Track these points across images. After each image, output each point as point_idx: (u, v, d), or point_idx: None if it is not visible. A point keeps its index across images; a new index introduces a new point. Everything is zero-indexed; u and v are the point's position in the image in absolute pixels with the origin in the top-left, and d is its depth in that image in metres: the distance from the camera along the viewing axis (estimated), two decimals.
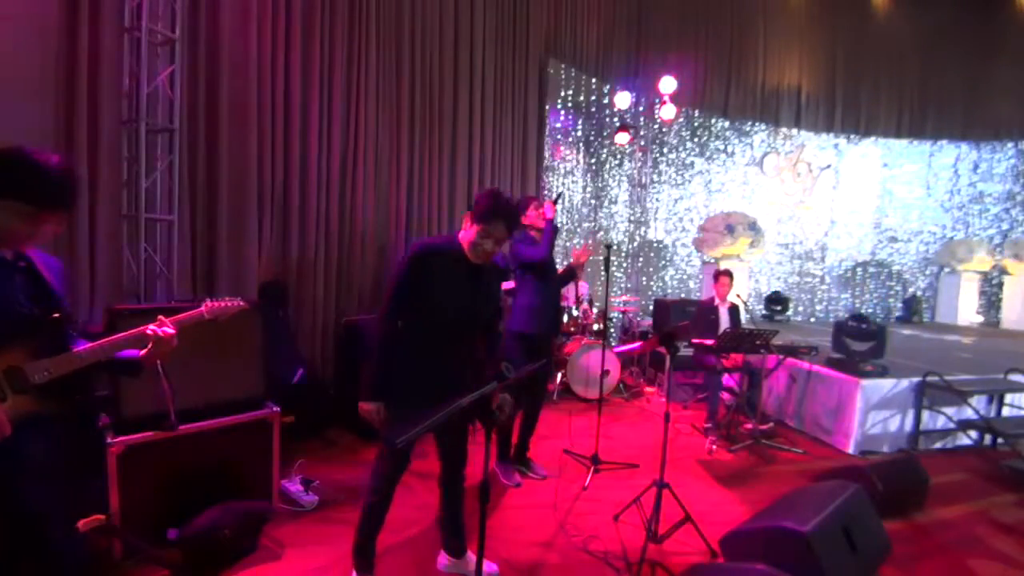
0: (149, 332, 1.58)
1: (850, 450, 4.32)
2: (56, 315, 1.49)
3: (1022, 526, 3.24)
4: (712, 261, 8.27)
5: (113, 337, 1.56)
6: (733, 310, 5.04)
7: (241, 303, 1.93)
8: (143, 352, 1.61)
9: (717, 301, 5.02)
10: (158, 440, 2.46)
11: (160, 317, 1.63)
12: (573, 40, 7.44)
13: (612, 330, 7.33)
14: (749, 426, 4.58)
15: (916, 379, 4.43)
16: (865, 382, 4.31)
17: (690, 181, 8.95)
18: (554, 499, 3.29)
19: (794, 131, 9.69)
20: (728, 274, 5.03)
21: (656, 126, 8.46)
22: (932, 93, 10.24)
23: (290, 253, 4.58)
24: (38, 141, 3.19)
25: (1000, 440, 4.49)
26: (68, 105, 3.30)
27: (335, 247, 4.85)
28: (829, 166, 9.90)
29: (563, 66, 7.25)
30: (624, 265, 8.35)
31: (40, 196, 1.35)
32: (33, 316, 1.44)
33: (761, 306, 9.09)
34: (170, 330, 1.60)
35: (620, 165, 8.21)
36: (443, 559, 2.57)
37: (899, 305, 10.16)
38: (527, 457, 3.67)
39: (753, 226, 8.00)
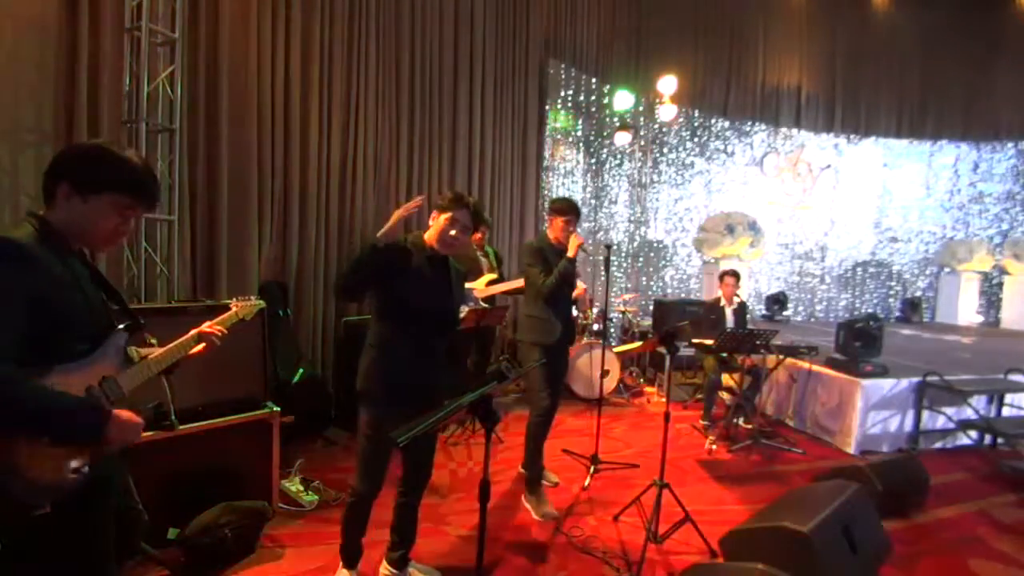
0: (207, 331, 1.66)
1: (850, 450, 4.32)
2: (139, 321, 1.47)
3: (1022, 526, 3.24)
4: (712, 261, 8.27)
5: (177, 341, 1.57)
6: (739, 311, 5.04)
7: (260, 303, 2.01)
8: (200, 349, 1.65)
9: (723, 302, 5.03)
10: (158, 440, 2.46)
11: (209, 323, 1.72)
12: (573, 40, 7.44)
13: (612, 330, 7.33)
14: (749, 426, 4.58)
15: (916, 379, 4.43)
16: (865, 382, 4.31)
17: (690, 181, 8.95)
18: (554, 499, 3.29)
19: (794, 131, 9.69)
20: (734, 274, 5.03)
21: (656, 126, 8.46)
22: (932, 93, 10.24)
23: (290, 253, 4.58)
24: (38, 141, 3.19)
25: (1000, 440, 4.50)
26: (68, 105, 3.30)
27: (335, 247, 4.84)
28: (829, 166, 9.90)
29: (563, 66, 7.25)
30: (624, 265, 8.35)
31: (136, 187, 1.32)
32: (117, 323, 1.41)
33: (761, 306, 9.09)
34: (223, 330, 1.71)
35: (620, 165, 8.21)
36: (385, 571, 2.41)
37: (899, 305, 10.17)
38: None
39: (753, 226, 8.01)
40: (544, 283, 3.12)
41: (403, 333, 2.16)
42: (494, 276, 4.67)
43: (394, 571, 2.38)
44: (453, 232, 2.15)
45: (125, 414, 1.28)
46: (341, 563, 2.38)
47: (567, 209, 3.20)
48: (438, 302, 2.20)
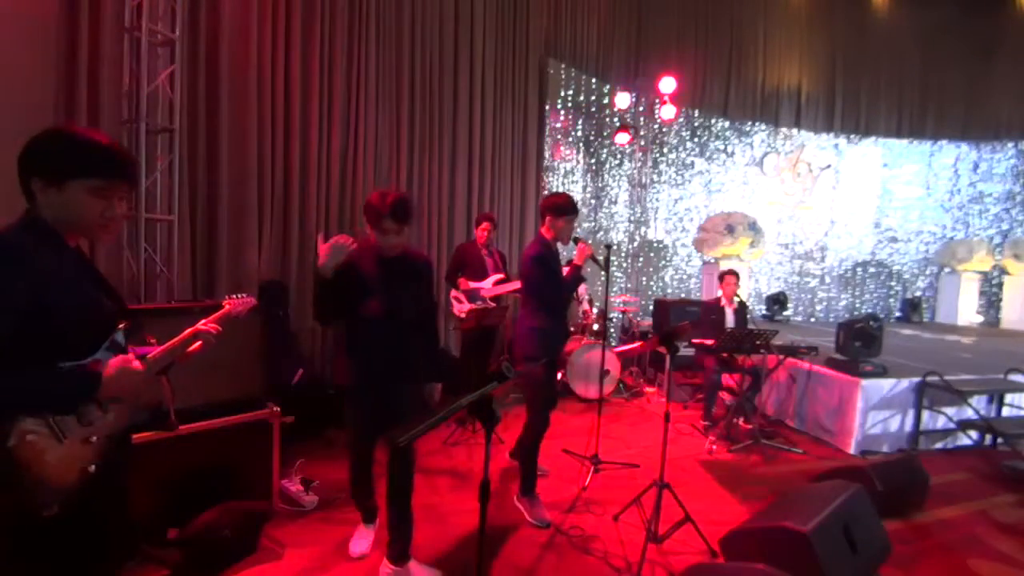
0: (203, 329, 1.65)
1: (850, 450, 4.32)
2: (138, 320, 1.47)
3: (1022, 526, 3.24)
4: (712, 261, 8.27)
5: (174, 340, 1.56)
6: (739, 311, 5.04)
7: (253, 300, 2.00)
8: (197, 347, 1.65)
9: (723, 302, 5.02)
10: (158, 440, 2.46)
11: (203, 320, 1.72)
12: (573, 40, 7.44)
13: (612, 330, 7.33)
14: (749, 426, 4.58)
15: (916, 379, 4.43)
16: (865, 382, 4.31)
17: (690, 181, 8.94)
18: (554, 499, 3.29)
19: (794, 131, 9.69)
20: (734, 274, 5.03)
21: (656, 126, 8.46)
22: (932, 93, 10.24)
23: (290, 253, 4.58)
24: None
25: (1000, 440, 4.49)
26: (68, 105, 3.30)
27: None
28: (829, 166, 9.90)
29: (563, 66, 7.25)
30: (624, 265, 8.35)
31: (105, 166, 1.27)
32: (116, 322, 1.38)
33: (762, 306, 9.09)
34: (218, 328, 1.71)
35: (620, 165, 8.21)
36: (385, 568, 2.44)
37: (899, 305, 10.17)
38: None
39: (753, 226, 8.00)
40: (557, 297, 3.01)
41: (362, 333, 2.35)
42: (501, 276, 4.68)
43: (394, 566, 2.40)
44: (388, 240, 2.30)
45: (116, 360, 1.26)
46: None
47: (570, 209, 3.05)
48: (389, 300, 2.32)
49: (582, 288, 6.13)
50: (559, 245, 3.15)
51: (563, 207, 3.03)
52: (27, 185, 1.25)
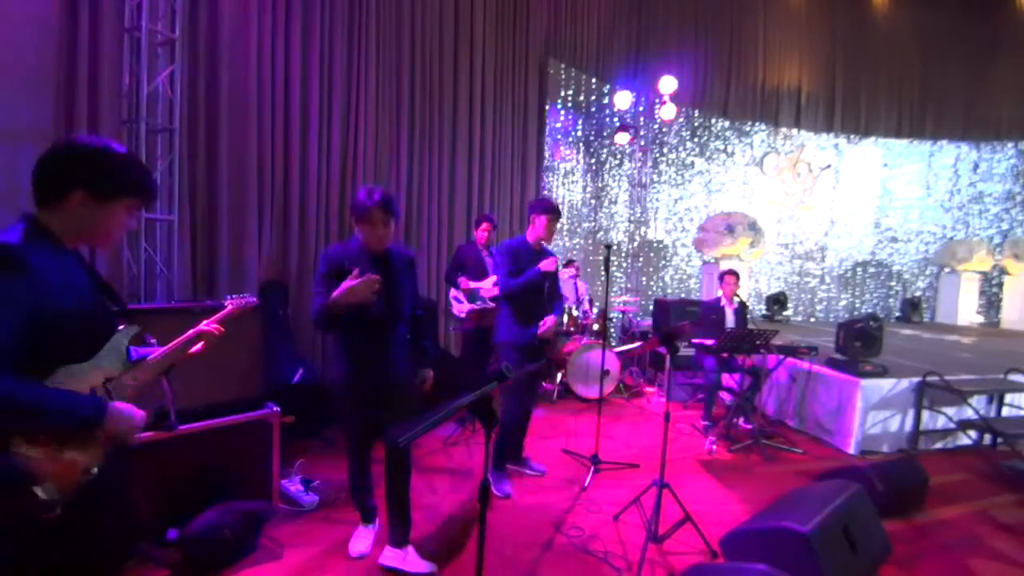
0: (206, 330, 1.65)
1: (850, 450, 4.32)
2: (137, 323, 1.46)
3: (1022, 526, 3.24)
4: (712, 261, 8.27)
5: (177, 341, 1.56)
6: (740, 311, 5.04)
7: (255, 300, 2.00)
8: (199, 347, 1.64)
9: (723, 302, 5.02)
10: (158, 440, 2.46)
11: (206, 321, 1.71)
12: (573, 40, 7.44)
13: (612, 330, 7.33)
14: (749, 426, 4.58)
15: (916, 379, 4.43)
16: (865, 382, 4.31)
17: (690, 181, 8.95)
18: (554, 499, 3.29)
19: (794, 131, 9.69)
20: (734, 274, 5.03)
21: (656, 126, 8.46)
22: (932, 93, 10.24)
23: (290, 253, 4.58)
24: (38, 141, 3.19)
25: (1000, 440, 4.49)
26: (68, 105, 3.30)
27: None
28: (829, 166, 9.90)
29: (563, 66, 7.25)
30: (624, 265, 8.35)
31: (147, 188, 1.34)
32: (117, 324, 1.39)
33: (762, 306, 9.09)
34: (221, 328, 1.71)
35: (620, 165, 8.21)
36: (387, 551, 2.51)
37: (899, 305, 10.17)
38: (523, 456, 3.67)
39: (753, 226, 8.01)
40: (509, 288, 3.24)
41: (358, 333, 2.40)
42: None
43: (395, 549, 2.47)
44: (377, 232, 2.34)
45: (124, 404, 1.29)
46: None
47: (548, 209, 3.33)
48: (388, 300, 2.37)
49: (583, 288, 6.13)
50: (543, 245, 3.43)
51: (543, 207, 3.36)
52: (61, 192, 1.23)
